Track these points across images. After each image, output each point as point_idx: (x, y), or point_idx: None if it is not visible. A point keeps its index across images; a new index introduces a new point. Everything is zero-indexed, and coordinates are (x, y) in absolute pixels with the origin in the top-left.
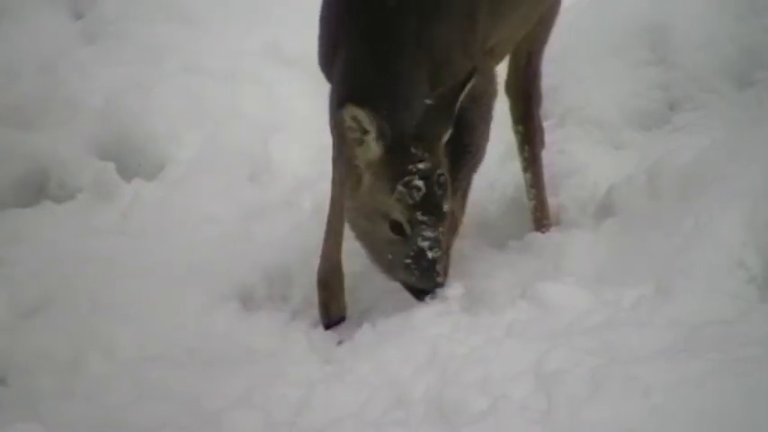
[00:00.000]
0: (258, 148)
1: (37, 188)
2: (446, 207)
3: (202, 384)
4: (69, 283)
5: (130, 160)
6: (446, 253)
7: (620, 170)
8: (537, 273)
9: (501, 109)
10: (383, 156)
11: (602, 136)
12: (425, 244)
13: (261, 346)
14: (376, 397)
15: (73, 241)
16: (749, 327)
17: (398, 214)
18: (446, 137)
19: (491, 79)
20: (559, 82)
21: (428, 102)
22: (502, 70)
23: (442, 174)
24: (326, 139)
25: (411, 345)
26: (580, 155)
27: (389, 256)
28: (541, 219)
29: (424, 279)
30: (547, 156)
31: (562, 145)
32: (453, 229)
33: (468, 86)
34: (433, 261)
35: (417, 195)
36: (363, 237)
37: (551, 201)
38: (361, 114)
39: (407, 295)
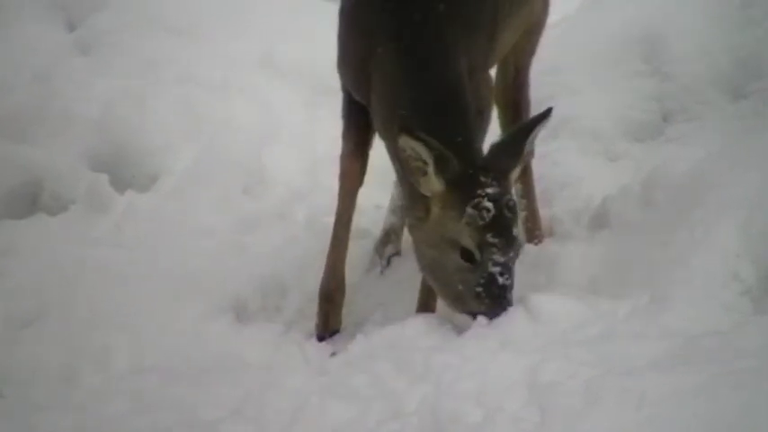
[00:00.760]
0: (252, 159)
1: (30, 200)
2: (516, 232)
3: (197, 395)
4: (63, 295)
5: (124, 172)
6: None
7: (615, 181)
8: (531, 284)
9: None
10: (448, 186)
11: (596, 147)
12: (496, 269)
13: (255, 358)
14: (370, 409)
15: (67, 253)
16: (744, 338)
17: (468, 239)
18: (515, 173)
19: (492, 91)
20: (553, 93)
21: (500, 137)
22: None
23: (512, 199)
24: (321, 151)
25: (405, 356)
26: (574, 166)
27: (460, 287)
28: (533, 230)
29: (494, 306)
30: (541, 167)
31: (556, 156)
32: None
33: (542, 125)
34: (504, 288)
35: (487, 216)
36: (432, 268)
37: (545, 212)
38: (418, 146)
39: (401, 307)
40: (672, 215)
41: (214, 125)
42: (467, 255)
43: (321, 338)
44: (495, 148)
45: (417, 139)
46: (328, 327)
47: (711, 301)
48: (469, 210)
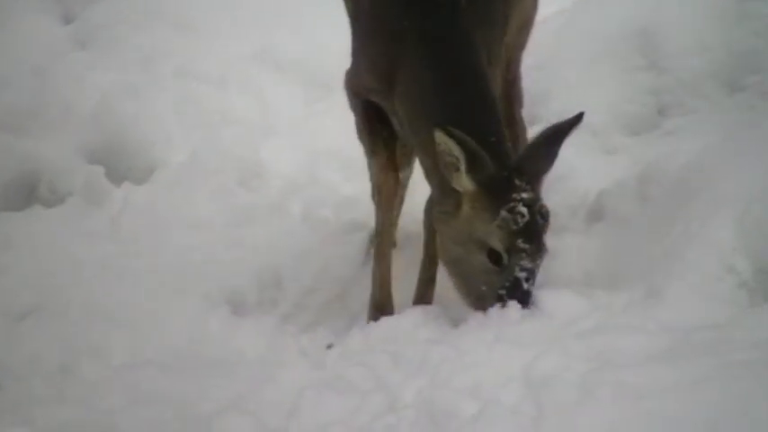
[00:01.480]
0: (249, 152)
1: (27, 192)
2: (545, 239)
3: (193, 389)
4: (60, 288)
5: (121, 164)
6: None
7: (611, 175)
8: None
9: None
10: (480, 187)
11: (592, 141)
12: (522, 275)
13: (251, 351)
14: (366, 402)
15: (63, 245)
16: (740, 331)
17: (497, 242)
18: (546, 175)
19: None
20: (549, 87)
21: (533, 140)
22: None
23: (545, 205)
24: (318, 144)
25: (401, 350)
26: (570, 160)
27: (483, 287)
28: None
29: None
30: None
31: None
32: None
33: (575, 129)
34: (527, 293)
35: (521, 222)
36: (455, 264)
37: None
38: (451, 144)
39: (398, 300)
40: (668, 209)
41: (211, 118)
42: (495, 257)
43: None
44: (528, 150)
45: (451, 136)
46: None
47: (707, 294)
48: (504, 213)
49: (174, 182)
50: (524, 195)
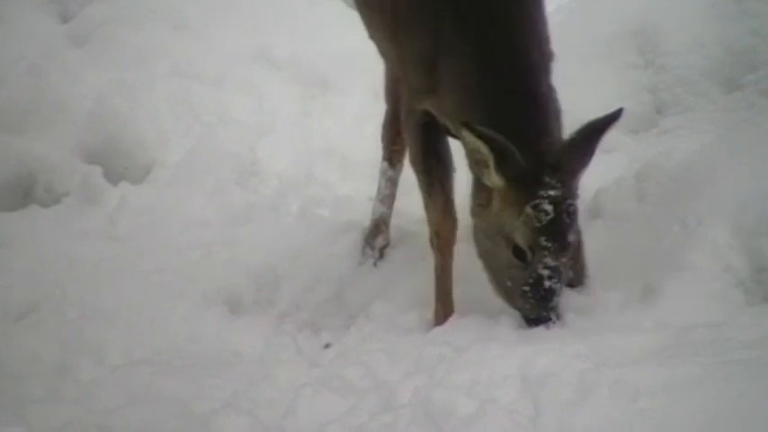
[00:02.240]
0: (246, 151)
1: (24, 192)
2: (571, 238)
3: (190, 388)
4: (56, 287)
5: (117, 164)
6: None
7: (608, 173)
8: None
9: None
10: (510, 182)
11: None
12: (545, 272)
13: (248, 350)
14: (363, 401)
15: (60, 245)
16: (736, 330)
17: (521, 238)
18: (582, 173)
19: None
20: None
21: (571, 136)
22: None
23: (573, 204)
24: (314, 143)
25: (398, 348)
26: None
27: (508, 282)
28: None
29: (537, 308)
30: None
31: None
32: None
33: (614, 124)
34: (551, 291)
35: (544, 219)
36: (485, 257)
37: None
38: (478, 142)
39: (394, 300)
40: (665, 207)
41: (208, 117)
42: (519, 253)
43: None
44: (567, 146)
45: (476, 134)
46: None
47: (704, 293)
48: (528, 209)
49: (170, 181)
50: (552, 192)
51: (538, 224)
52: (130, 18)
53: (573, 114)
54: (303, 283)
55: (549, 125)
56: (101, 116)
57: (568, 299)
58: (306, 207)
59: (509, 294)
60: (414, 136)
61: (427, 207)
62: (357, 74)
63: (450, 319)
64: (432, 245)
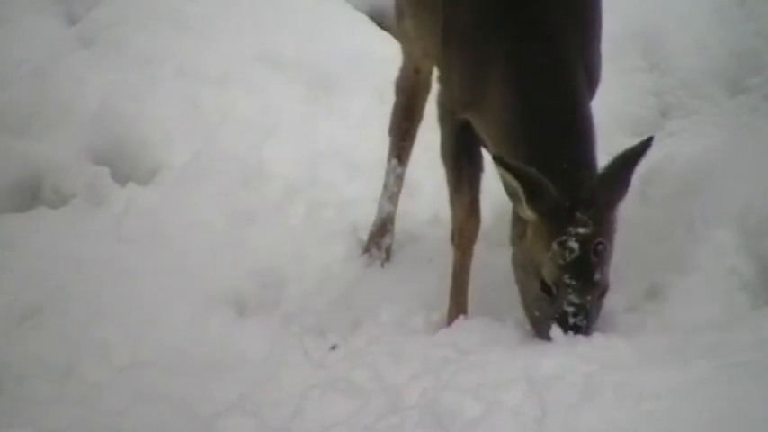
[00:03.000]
0: (251, 153)
1: (31, 193)
2: (597, 277)
3: (196, 390)
4: (63, 289)
5: (124, 165)
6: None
7: None
8: None
9: None
10: (542, 216)
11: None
12: (570, 309)
13: (254, 352)
14: (370, 403)
15: (67, 246)
16: (742, 333)
17: (547, 273)
18: (619, 205)
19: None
20: None
21: (605, 167)
22: None
23: (603, 243)
24: (319, 144)
25: (405, 351)
26: None
27: (537, 313)
28: None
29: None
30: None
31: None
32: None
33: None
34: (575, 327)
35: (569, 257)
36: (520, 287)
37: None
38: (507, 175)
39: (401, 302)
40: (670, 210)
41: (213, 119)
42: (545, 287)
43: None
44: (602, 179)
45: (507, 168)
46: None
47: (709, 295)
48: (555, 246)
49: (176, 183)
50: (580, 230)
51: (562, 261)
52: (135, 20)
53: None
54: (309, 284)
55: (587, 157)
56: (107, 117)
57: None
58: (311, 209)
59: (538, 326)
60: (449, 133)
61: (453, 203)
62: (362, 75)
63: (456, 322)
64: (452, 241)
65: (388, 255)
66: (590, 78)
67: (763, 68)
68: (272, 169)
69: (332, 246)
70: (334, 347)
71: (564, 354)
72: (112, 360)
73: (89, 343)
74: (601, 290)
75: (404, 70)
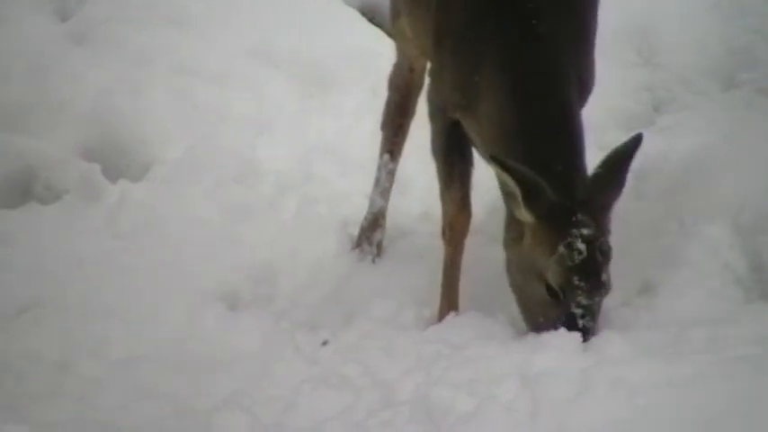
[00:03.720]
0: (245, 149)
1: (23, 189)
2: (605, 277)
3: (190, 385)
4: (56, 285)
5: (117, 161)
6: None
7: None
8: None
9: None
10: (540, 219)
11: (587, 137)
12: (579, 311)
13: (247, 348)
14: (362, 398)
15: (59, 242)
16: (735, 328)
17: (554, 277)
18: (614, 206)
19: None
20: None
21: (599, 168)
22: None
23: (606, 242)
24: (313, 141)
25: (397, 346)
26: None
27: (540, 318)
28: None
29: None
30: None
31: None
32: None
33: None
34: (584, 330)
35: (578, 259)
36: (518, 292)
37: None
38: (505, 176)
39: (392, 297)
40: (663, 205)
41: (207, 115)
42: (551, 292)
43: None
44: (597, 180)
45: (504, 168)
46: None
47: (703, 290)
48: (561, 248)
49: (170, 178)
50: (584, 231)
51: (571, 263)
52: (130, 16)
53: None
54: (301, 280)
55: (579, 161)
56: (100, 113)
57: None
58: (304, 204)
59: (541, 330)
60: (440, 129)
61: (444, 199)
62: (355, 71)
63: (448, 317)
64: (443, 236)
65: (379, 250)
66: (583, 84)
67: (757, 63)
68: (265, 165)
69: (324, 241)
70: (325, 343)
71: (557, 349)
72: (108, 356)
73: (84, 338)
74: (607, 290)
75: (398, 67)
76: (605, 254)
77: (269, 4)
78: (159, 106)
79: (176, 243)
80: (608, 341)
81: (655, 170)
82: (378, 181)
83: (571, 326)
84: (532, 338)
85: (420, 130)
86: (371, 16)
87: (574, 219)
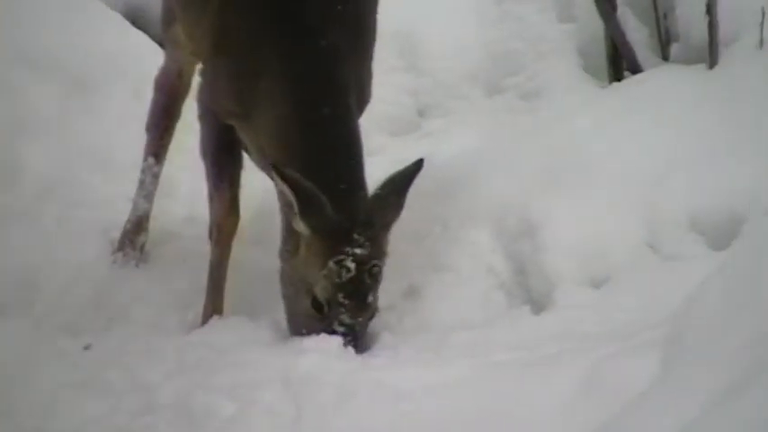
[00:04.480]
0: (4, 151)
1: None
2: (371, 299)
3: None
4: None
5: None
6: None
7: (370, 176)
8: None
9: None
10: (316, 233)
11: None
12: (340, 329)
13: (6, 353)
14: (123, 402)
15: None
16: (499, 332)
17: (321, 291)
18: (392, 227)
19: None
20: None
21: (380, 189)
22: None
23: (377, 265)
24: (74, 144)
25: (159, 350)
26: None
27: (303, 330)
28: None
29: None
30: None
31: None
32: None
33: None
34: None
35: (345, 276)
36: (286, 301)
37: None
38: (284, 187)
39: (155, 301)
40: (427, 209)
41: None
42: (317, 305)
43: None
44: (377, 201)
45: (284, 178)
46: None
47: (466, 295)
48: (331, 264)
49: None
50: (357, 251)
51: (338, 280)
52: None
53: None
54: (62, 284)
55: (360, 177)
56: None
57: None
58: (65, 208)
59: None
60: (210, 130)
61: (212, 200)
62: (117, 74)
63: (212, 321)
64: (210, 238)
65: (142, 254)
66: (360, 97)
67: (520, 69)
68: (25, 168)
69: (86, 245)
70: (87, 347)
71: (320, 354)
72: None
73: None
74: (371, 312)
75: (165, 70)
76: (374, 276)
77: (28, 6)
78: None
79: None
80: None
81: (419, 174)
82: (142, 183)
83: None
84: (296, 343)
85: (185, 135)
86: (134, 20)
87: (349, 237)
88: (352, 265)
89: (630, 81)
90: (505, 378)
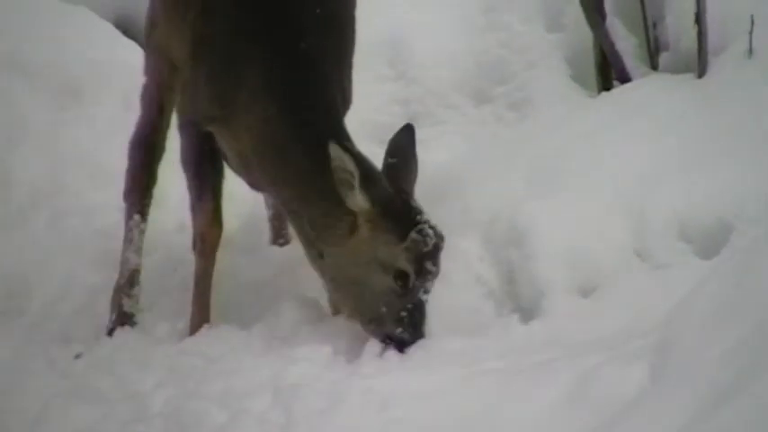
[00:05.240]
0: None
1: None
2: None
3: None
4: None
5: None
6: None
7: None
8: None
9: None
10: (377, 206)
11: None
12: (425, 297)
13: None
14: (114, 411)
15: None
16: (488, 340)
17: (407, 263)
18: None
19: None
20: None
21: (392, 161)
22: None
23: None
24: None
25: (150, 359)
26: None
27: (383, 308)
28: (281, 229)
29: (415, 332)
30: None
31: None
32: None
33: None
34: (425, 314)
35: (430, 244)
36: (349, 286)
37: None
38: (346, 158)
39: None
40: None
41: None
42: (403, 279)
43: None
44: (395, 170)
45: (346, 150)
46: None
47: (456, 303)
48: (414, 235)
49: None
50: (426, 218)
51: (425, 248)
52: None
53: None
54: (54, 292)
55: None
56: None
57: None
58: (56, 216)
59: (381, 321)
60: (190, 141)
61: (195, 211)
62: (108, 82)
63: (203, 329)
64: (194, 248)
65: (138, 303)
66: (344, 100)
67: (509, 78)
68: (17, 176)
69: (77, 253)
70: (78, 356)
71: (310, 362)
72: None
73: None
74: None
75: (140, 127)
76: (443, 238)
77: (20, 15)
78: None
79: None
80: (360, 353)
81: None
82: (130, 240)
83: (416, 312)
84: (286, 351)
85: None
86: (125, 29)
87: (414, 207)
88: (430, 232)
89: (619, 90)
90: (494, 386)
